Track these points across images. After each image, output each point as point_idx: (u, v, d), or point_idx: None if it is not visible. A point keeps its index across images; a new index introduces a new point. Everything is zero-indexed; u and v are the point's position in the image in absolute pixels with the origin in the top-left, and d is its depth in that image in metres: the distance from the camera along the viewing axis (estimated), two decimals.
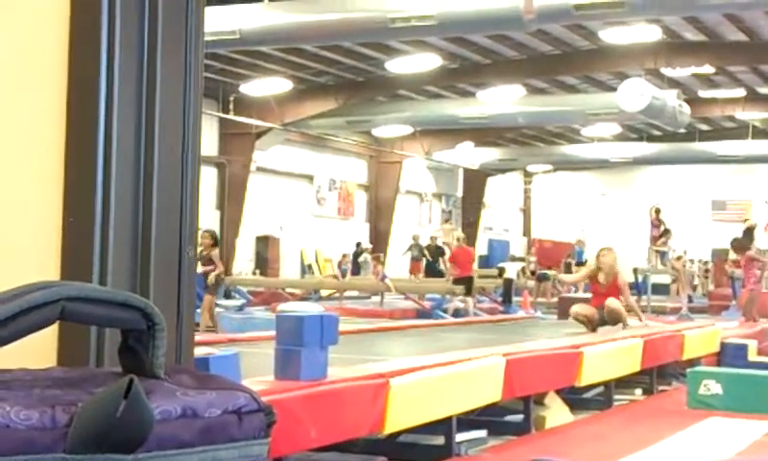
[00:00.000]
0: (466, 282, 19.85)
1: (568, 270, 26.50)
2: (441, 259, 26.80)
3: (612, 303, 10.98)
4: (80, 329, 1.83)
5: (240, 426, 1.38)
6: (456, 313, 19.06)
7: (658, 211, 23.77)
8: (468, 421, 7.19)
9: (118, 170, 1.96)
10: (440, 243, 26.66)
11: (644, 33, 21.26)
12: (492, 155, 36.16)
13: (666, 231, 22.49)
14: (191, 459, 1.33)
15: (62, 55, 1.98)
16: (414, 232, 29.71)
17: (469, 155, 35.44)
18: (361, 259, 29.89)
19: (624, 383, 10.09)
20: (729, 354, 11.81)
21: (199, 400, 1.36)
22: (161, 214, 2.02)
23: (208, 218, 26.46)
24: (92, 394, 1.31)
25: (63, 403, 1.29)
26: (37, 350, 1.73)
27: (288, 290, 22.41)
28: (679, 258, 23.80)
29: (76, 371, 1.53)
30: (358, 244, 30.91)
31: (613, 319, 11.01)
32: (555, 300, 22.14)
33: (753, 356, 11.81)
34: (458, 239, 21.88)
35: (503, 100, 26.42)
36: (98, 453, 1.26)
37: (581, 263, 28.92)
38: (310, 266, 31.08)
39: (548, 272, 18.09)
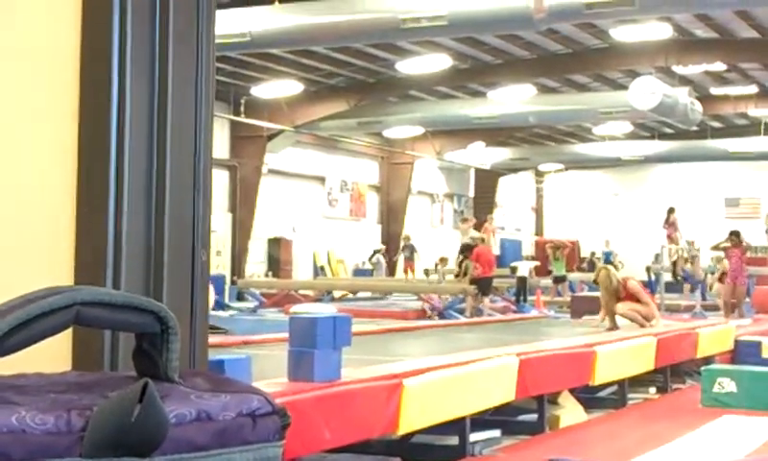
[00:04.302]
0: (485, 283, 19.86)
1: (592, 268, 26.35)
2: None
3: (621, 310, 11.24)
4: (94, 333, 1.84)
5: (254, 429, 1.38)
6: (475, 312, 19.06)
7: (670, 211, 23.83)
8: (481, 421, 7.19)
9: (131, 173, 1.97)
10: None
11: (655, 30, 21.20)
12: (503, 154, 36.12)
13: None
14: None
15: (74, 60, 1.99)
16: (405, 233, 29.99)
17: (481, 155, 35.41)
18: (374, 260, 29.97)
19: (638, 382, 10.07)
20: (743, 352, 11.78)
21: (213, 403, 1.36)
22: (174, 217, 2.02)
23: (220, 221, 26.50)
24: (107, 398, 1.32)
25: (79, 408, 1.30)
26: (52, 354, 1.73)
27: (301, 292, 22.43)
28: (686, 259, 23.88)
29: (90, 375, 1.53)
30: (376, 251, 31.02)
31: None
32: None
33: (767, 354, 11.78)
34: (482, 239, 22.07)
35: (514, 99, 26.40)
36: (113, 457, 1.27)
37: (610, 262, 28.94)
38: (323, 268, 31.10)
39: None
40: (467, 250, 22.21)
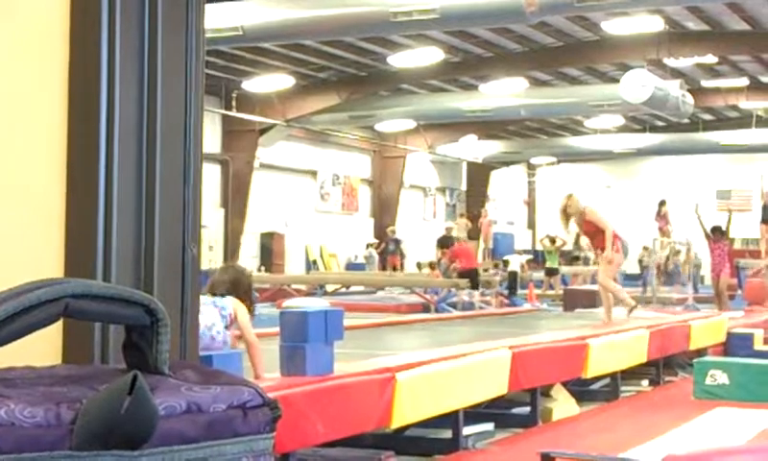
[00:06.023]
0: (471, 275, 19.88)
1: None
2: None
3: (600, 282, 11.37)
4: (84, 326, 1.83)
5: (245, 421, 1.38)
6: (464, 306, 19.08)
7: (661, 204, 23.86)
8: (474, 414, 7.19)
9: (121, 167, 1.96)
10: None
11: (646, 23, 21.22)
12: (495, 148, 36.13)
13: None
14: (196, 454, 1.32)
15: (62, 54, 1.98)
16: (390, 227, 30.04)
17: (473, 148, 35.41)
18: (366, 253, 29.97)
19: (630, 374, 10.08)
20: (735, 344, 11.80)
21: (203, 395, 1.35)
22: (164, 211, 2.01)
23: (212, 216, 26.47)
24: (97, 390, 1.31)
25: (68, 401, 1.29)
26: (42, 347, 1.72)
27: (294, 286, 22.41)
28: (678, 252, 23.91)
29: (80, 368, 1.53)
30: (369, 245, 31.07)
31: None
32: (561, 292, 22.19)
33: (759, 346, 11.80)
34: (457, 239, 22.20)
35: (506, 93, 26.39)
36: (103, 450, 1.26)
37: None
38: (315, 262, 31.09)
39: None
40: (446, 243, 22.33)
